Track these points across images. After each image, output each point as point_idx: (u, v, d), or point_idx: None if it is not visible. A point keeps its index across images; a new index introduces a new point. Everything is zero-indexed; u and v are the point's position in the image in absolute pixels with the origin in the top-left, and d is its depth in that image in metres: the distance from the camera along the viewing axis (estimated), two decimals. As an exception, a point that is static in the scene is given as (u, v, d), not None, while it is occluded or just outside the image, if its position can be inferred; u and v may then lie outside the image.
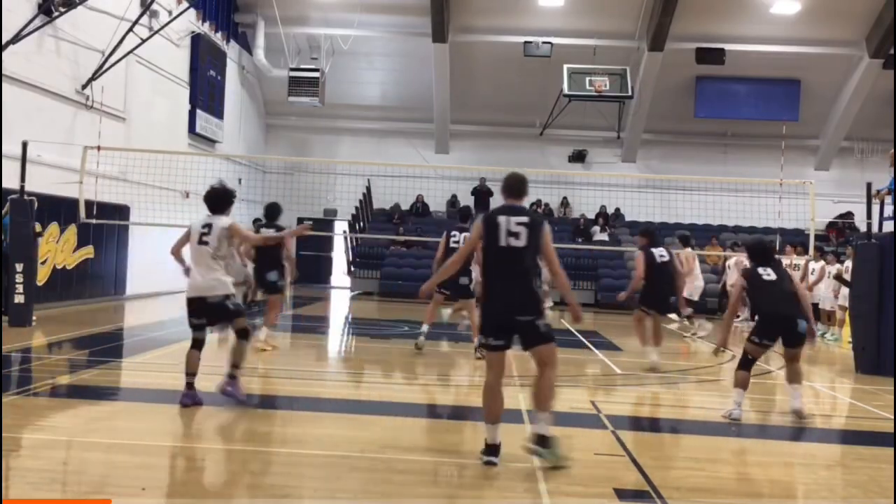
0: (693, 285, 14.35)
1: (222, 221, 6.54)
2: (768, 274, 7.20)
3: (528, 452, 5.10)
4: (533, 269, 5.19)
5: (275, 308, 10.26)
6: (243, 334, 6.64)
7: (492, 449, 5.14)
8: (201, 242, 6.45)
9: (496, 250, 5.16)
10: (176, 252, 6.87)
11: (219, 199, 6.68)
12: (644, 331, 9.99)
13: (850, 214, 24.05)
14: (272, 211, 10.45)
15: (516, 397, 7.71)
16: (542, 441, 5.09)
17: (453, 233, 10.41)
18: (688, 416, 7.61)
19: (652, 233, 10.50)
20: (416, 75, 24.13)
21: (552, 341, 5.25)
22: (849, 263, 14.14)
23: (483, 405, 5.25)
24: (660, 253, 9.97)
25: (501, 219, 5.17)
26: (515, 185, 5.40)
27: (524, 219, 5.16)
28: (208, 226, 6.51)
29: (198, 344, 6.63)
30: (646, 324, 9.97)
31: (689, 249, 14.20)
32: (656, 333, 9.92)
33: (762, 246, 7.61)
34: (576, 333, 12.28)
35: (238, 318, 6.60)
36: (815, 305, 15.73)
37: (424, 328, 10.37)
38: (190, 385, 6.51)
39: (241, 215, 22.25)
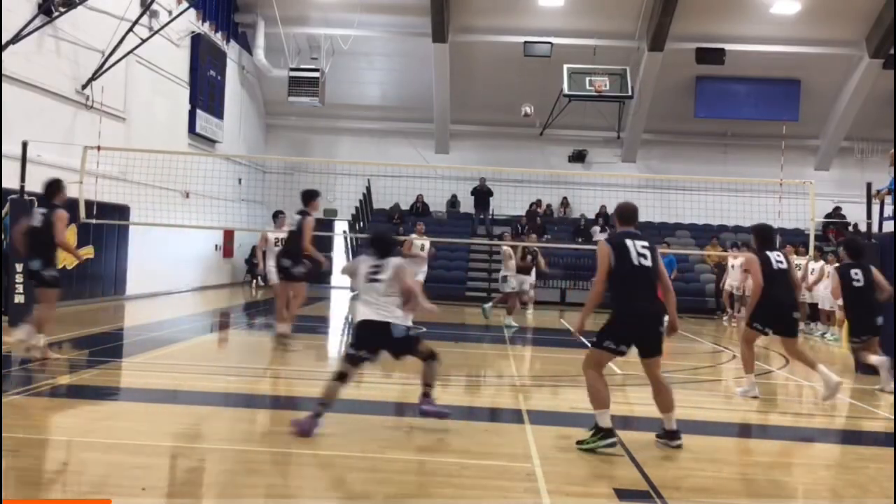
0: None
1: (393, 263, 6.42)
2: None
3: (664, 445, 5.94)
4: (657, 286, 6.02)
5: (46, 304, 8.83)
6: (432, 356, 6.43)
7: (608, 432, 5.75)
8: (371, 281, 6.35)
9: (631, 268, 5.89)
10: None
11: (387, 244, 6.65)
12: (752, 355, 8.30)
13: (838, 210, 24.14)
14: (47, 189, 9.16)
15: (516, 398, 7.72)
16: (673, 435, 5.97)
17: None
18: (688, 416, 7.60)
19: (767, 231, 8.53)
20: (416, 75, 24.13)
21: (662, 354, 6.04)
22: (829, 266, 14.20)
23: (594, 396, 5.87)
24: (776, 258, 8.15)
25: (629, 242, 5.96)
26: (632, 214, 6.26)
27: (646, 243, 6.03)
28: (378, 266, 6.36)
29: (344, 378, 6.14)
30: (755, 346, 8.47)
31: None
32: (802, 357, 8.25)
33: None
34: (576, 334, 12.27)
35: (420, 346, 6.44)
36: (815, 305, 15.77)
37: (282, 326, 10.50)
38: (318, 415, 5.96)
39: (241, 215, 22.30)
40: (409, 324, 6.35)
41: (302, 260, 10.27)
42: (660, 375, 6.08)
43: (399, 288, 6.26)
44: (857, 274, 9.03)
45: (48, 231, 8.71)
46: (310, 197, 10.43)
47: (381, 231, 7.00)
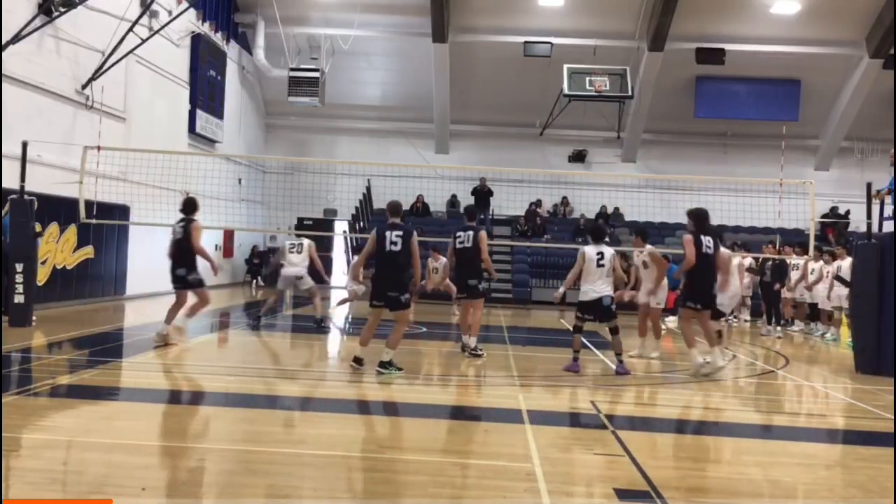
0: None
1: (611, 251, 9.36)
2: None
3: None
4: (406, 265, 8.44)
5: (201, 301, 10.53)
6: (615, 331, 9.29)
7: (359, 360, 8.50)
8: (598, 266, 9.18)
9: (383, 252, 8.34)
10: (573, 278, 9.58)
11: (603, 232, 9.63)
12: (692, 331, 9.30)
13: (835, 210, 24.16)
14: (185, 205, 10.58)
15: (516, 398, 7.72)
16: (387, 364, 8.36)
17: (458, 233, 10.24)
18: (688, 416, 7.61)
19: (702, 217, 9.47)
20: (416, 75, 24.13)
21: (405, 308, 8.52)
22: (841, 263, 14.16)
23: (363, 336, 8.58)
24: (707, 243, 9.20)
25: (387, 232, 8.35)
26: (395, 209, 8.64)
27: (401, 233, 8.37)
28: (601, 254, 9.21)
29: (580, 330, 9.43)
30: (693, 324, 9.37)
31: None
32: (709, 333, 9.26)
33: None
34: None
35: (614, 318, 9.29)
36: (814, 305, 15.76)
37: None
38: (577, 359, 9.31)
39: (241, 215, 22.29)
40: (612, 294, 9.26)
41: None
42: (401, 325, 8.49)
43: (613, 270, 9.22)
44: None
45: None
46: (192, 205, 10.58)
47: (600, 224, 10.00)
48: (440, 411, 7.32)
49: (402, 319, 8.52)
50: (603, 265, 9.17)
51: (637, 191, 24.50)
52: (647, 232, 11.61)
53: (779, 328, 15.33)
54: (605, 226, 9.97)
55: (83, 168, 12.94)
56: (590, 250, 9.23)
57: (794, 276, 15.92)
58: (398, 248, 8.21)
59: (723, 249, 10.51)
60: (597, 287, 9.17)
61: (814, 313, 15.96)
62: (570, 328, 10.81)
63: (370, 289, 8.71)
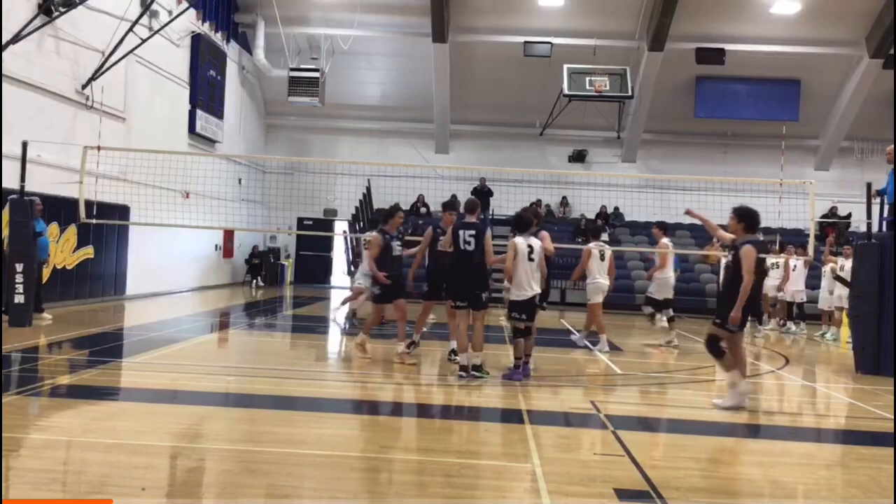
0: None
1: (539, 243, 8.61)
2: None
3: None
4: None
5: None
6: (531, 332, 8.63)
7: (464, 368, 8.34)
8: (530, 259, 8.53)
9: (458, 250, 8.30)
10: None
11: (529, 222, 8.60)
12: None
13: (834, 210, 24.18)
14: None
15: (516, 397, 7.72)
16: (476, 368, 8.33)
17: (466, 231, 8.56)
18: (688, 416, 7.61)
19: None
20: (416, 75, 24.14)
21: (483, 308, 8.50)
22: (844, 262, 14.17)
23: (461, 342, 8.44)
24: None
25: (461, 231, 8.29)
26: (471, 207, 8.52)
27: (474, 231, 8.28)
28: (531, 247, 8.45)
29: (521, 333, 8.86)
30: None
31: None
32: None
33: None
34: (576, 333, 12.27)
35: (534, 319, 8.66)
36: (802, 305, 15.80)
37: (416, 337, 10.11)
38: (518, 366, 8.66)
39: (241, 215, 22.31)
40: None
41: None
42: (479, 323, 8.33)
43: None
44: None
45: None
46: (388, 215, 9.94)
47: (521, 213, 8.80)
48: (440, 411, 7.32)
49: (479, 321, 8.43)
50: (533, 259, 8.36)
51: (637, 191, 24.50)
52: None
53: (760, 327, 15.52)
54: (529, 215, 8.67)
55: (83, 168, 12.93)
56: (521, 242, 8.33)
57: (775, 274, 15.86)
58: (471, 247, 8.20)
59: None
60: (533, 284, 8.37)
61: (801, 312, 15.99)
62: (512, 332, 8.96)
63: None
